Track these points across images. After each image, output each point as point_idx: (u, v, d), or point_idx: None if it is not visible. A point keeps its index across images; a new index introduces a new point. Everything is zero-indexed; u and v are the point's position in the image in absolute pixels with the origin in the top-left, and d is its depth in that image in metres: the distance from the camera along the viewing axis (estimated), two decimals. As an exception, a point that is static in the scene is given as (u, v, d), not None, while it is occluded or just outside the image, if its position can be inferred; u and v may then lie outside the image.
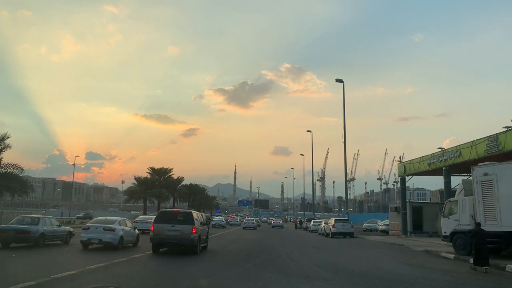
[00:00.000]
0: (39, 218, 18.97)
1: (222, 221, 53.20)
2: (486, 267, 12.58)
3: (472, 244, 13.70)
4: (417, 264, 14.92)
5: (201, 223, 17.71)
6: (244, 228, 50.32)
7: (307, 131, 60.09)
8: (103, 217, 21.05)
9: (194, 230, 15.95)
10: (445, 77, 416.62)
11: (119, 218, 19.32)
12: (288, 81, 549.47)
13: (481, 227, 13.57)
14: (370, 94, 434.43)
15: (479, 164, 17.42)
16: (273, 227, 57.81)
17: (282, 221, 68.08)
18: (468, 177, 24.06)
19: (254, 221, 53.93)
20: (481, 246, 12.86)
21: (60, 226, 19.86)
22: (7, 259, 13.36)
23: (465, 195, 17.66)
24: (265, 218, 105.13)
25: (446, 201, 20.04)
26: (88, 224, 18.61)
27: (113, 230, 17.14)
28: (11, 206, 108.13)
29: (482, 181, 15.88)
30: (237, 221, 67.48)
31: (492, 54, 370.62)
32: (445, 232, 18.68)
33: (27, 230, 17.18)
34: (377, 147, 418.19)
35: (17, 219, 19.24)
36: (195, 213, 17.46)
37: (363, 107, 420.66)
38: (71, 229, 20.68)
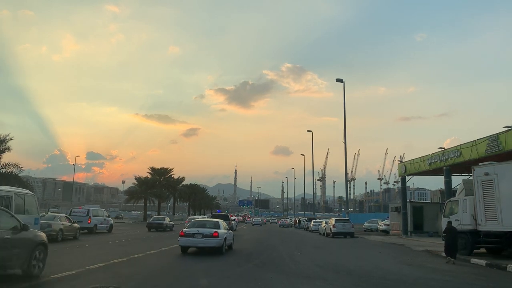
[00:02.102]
0: (164, 217, 40.45)
1: (235, 219, 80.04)
2: (454, 259, 14.71)
3: (445, 239, 15.66)
4: (418, 264, 14.89)
5: (232, 220, 35.62)
6: (253, 225, 67.81)
7: (308, 131, 60.15)
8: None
9: (230, 223, 30.13)
10: (447, 76, 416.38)
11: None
12: (289, 81, 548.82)
13: (479, 226, 15.21)
14: (371, 93, 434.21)
15: (479, 163, 17.39)
16: (280, 226, 68.24)
17: (288, 221, 75.02)
18: (468, 177, 24.05)
19: (260, 220, 77.95)
20: (452, 241, 15.08)
21: (170, 221, 38.49)
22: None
23: (465, 195, 17.60)
24: (268, 218, 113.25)
25: (447, 201, 19.99)
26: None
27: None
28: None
29: (483, 181, 15.84)
30: (250, 221, 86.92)
31: (494, 54, 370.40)
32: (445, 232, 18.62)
33: (161, 223, 35.69)
34: (378, 147, 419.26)
35: (154, 217, 39.29)
36: (230, 215, 39.83)
37: (364, 106, 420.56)
38: (173, 223, 39.70)
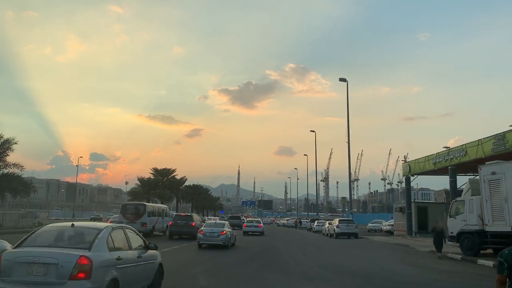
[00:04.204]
0: (204, 218, 42.92)
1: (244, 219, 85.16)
2: (440, 253, 16.98)
3: (433, 237, 17.53)
4: (423, 265, 14.61)
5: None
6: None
7: (311, 131, 59.70)
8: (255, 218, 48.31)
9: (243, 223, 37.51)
10: (451, 76, 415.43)
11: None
12: (293, 81, 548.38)
13: (486, 226, 15.80)
14: (375, 93, 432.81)
15: (486, 162, 17.06)
16: (278, 225, 74.01)
17: (287, 221, 75.71)
18: (473, 176, 23.68)
19: (269, 221, 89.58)
20: (439, 239, 17.17)
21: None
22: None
23: (472, 195, 17.30)
24: (273, 218, 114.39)
25: (453, 200, 19.65)
26: (247, 219, 40.02)
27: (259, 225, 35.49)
28: (16, 207, 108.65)
29: (489, 180, 15.52)
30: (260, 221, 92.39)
31: (499, 53, 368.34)
32: (451, 233, 18.30)
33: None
34: (381, 147, 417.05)
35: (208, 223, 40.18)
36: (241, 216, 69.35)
37: (367, 106, 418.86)
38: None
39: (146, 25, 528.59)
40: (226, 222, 22.77)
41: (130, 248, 6.90)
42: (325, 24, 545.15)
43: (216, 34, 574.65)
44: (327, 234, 34.76)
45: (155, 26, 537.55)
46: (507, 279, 3.43)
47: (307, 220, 58.85)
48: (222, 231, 19.00)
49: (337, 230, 31.62)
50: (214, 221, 25.29)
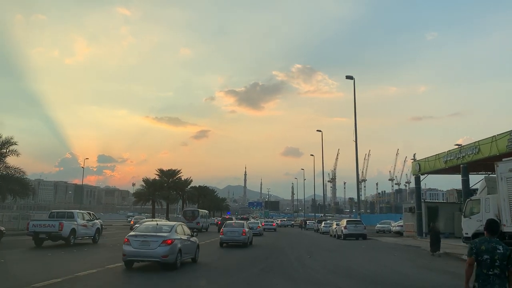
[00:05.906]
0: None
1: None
2: (439, 252, 17.45)
3: (430, 237, 18.25)
4: (437, 268, 13.78)
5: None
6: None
7: (317, 130, 58.98)
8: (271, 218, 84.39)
9: (261, 225, 41.13)
10: (459, 75, 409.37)
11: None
12: (300, 82, 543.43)
13: (503, 227, 14.99)
14: (382, 93, 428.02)
15: (503, 159, 16.16)
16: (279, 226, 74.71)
17: (281, 222, 79.23)
18: (486, 175, 22.75)
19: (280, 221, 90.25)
20: (435, 238, 17.70)
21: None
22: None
23: (488, 193, 16.44)
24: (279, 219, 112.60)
25: (467, 200, 18.79)
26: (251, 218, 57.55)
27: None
28: (24, 208, 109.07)
29: (507, 178, 14.68)
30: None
31: (508, 52, 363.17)
32: (466, 234, 17.47)
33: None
34: (389, 148, 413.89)
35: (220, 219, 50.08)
36: (249, 217, 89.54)
37: (375, 106, 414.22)
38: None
39: (153, 27, 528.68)
40: (259, 220, 41.21)
41: None
42: (332, 24, 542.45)
43: (222, 35, 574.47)
44: (334, 235, 33.97)
45: (162, 27, 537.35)
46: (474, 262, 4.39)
47: (313, 221, 58.05)
48: (258, 226, 35.05)
49: (345, 231, 30.82)
50: (253, 219, 43.52)
